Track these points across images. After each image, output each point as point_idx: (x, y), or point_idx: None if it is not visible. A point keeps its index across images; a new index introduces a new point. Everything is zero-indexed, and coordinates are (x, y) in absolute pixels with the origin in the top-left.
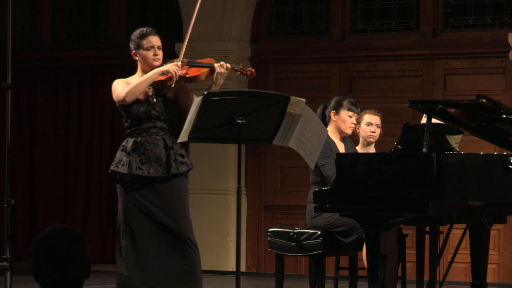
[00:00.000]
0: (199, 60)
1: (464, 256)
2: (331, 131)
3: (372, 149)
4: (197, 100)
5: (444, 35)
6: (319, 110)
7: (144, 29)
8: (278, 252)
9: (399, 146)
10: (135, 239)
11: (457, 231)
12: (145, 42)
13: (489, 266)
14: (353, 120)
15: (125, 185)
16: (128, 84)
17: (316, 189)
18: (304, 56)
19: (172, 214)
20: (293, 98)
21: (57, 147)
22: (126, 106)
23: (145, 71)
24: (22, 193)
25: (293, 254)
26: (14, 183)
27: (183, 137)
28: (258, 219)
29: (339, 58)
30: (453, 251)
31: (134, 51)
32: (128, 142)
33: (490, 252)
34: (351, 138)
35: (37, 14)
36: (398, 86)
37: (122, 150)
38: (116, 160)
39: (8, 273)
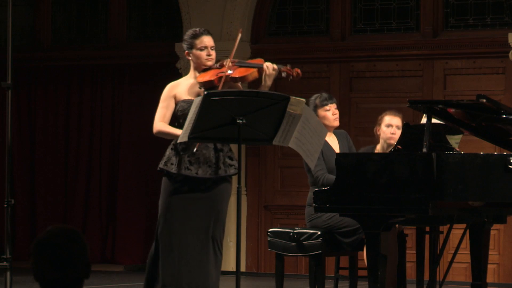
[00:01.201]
0: (248, 61)
1: (464, 256)
2: None
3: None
4: (197, 100)
5: (444, 35)
6: None
7: (197, 29)
8: (278, 252)
9: (399, 146)
10: (172, 236)
11: (457, 231)
12: (198, 42)
13: (489, 266)
14: (333, 111)
15: (172, 183)
16: (175, 89)
17: (316, 190)
18: (304, 56)
19: (212, 217)
20: (293, 98)
21: (57, 147)
22: (176, 106)
23: (198, 70)
24: (22, 193)
25: (293, 254)
26: (14, 183)
27: (183, 137)
28: (258, 219)
29: (339, 58)
30: (453, 251)
31: (187, 51)
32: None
33: (490, 252)
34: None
35: (37, 14)
36: (398, 86)
37: (172, 148)
38: (165, 158)
39: (8, 273)
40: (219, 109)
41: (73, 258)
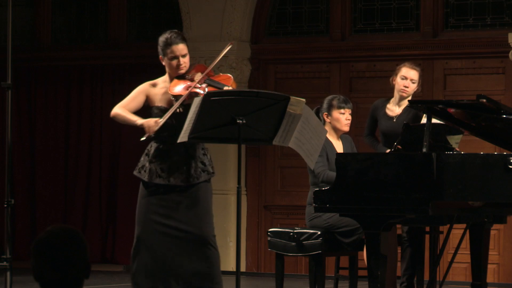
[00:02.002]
0: (219, 78)
1: (464, 256)
2: (328, 132)
3: (404, 104)
4: (197, 100)
5: (444, 35)
6: (313, 112)
7: (169, 35)
8: (278, 252)
9: (399, 146)
10: (149, 242)
11: (457, 231)
12: (169, 52)
13: (489, 266)
14: (347, 116)
15: (146, 190)
16: (148, 89)
17: (316, 190)
18: (304, 56)
19: (192, 219)
20: (293, 98)
21: (57, 147)
22: (151, 109)
23: (171, 76)
24: (22, 193)
25: (293, 254)
26: (14, 183)
27: (183, 137)
28: (258, 219)
29: (339, 58)
30: (453, 251)
31: (160, 56)
32: (152, 147)
33: (490, 252)
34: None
35: (37, 14)
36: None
37: (146, 154)
38: (140, 164)
39: (8, 273)
40: (219, 109)
41: (73, 258)
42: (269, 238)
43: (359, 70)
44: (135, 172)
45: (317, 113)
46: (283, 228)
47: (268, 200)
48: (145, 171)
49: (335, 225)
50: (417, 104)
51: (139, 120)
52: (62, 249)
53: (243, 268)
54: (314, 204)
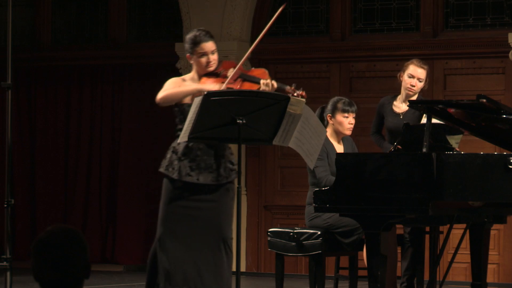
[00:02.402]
0: (252, 71)
1: (464, 256)
2: (329, 133)
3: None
4: (197, 100)
5: (444, 35)
6: (318, 112)
7: (198, 33)
8: (278, 252)
9: (399, 146)
10: (174, 238)
11: (457, 231)
12: (198, 49)
13: (489, 266)
14: (350, 120)
15: (173, 187)
16: (181, 83)
17: (316, 190)
18: (304, 56)
19: (217, 219)
20: (293, 98)
21: (57, 147)
22: (182, 107)
23: (199, 74)
24: (22, 193)
25: (293, 254)
26: (14, 183)
27: (183, 137)
28: (258, 219)
29: (339, 58)
30: (453, 251)
31: (188, 54)
32: (180, 145)
33: (490, 252)
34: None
35: (37, 14)
36: (398, 86)
37: (173, 152)
38: (166, 161)
39: (8, 273)
40: (219, 109)
41: (73, 258)
42: (269, 238)
43: (359, 70)
44: (162, 170)
45: (322, 112)
46: (283, 228)
47: (268, 200)
48: (173, 168)
49: (335, 224)
50: (417, 104)
51: (199, 87)
52: (62, 249)
53: (243, 268)
54: (314, 204)
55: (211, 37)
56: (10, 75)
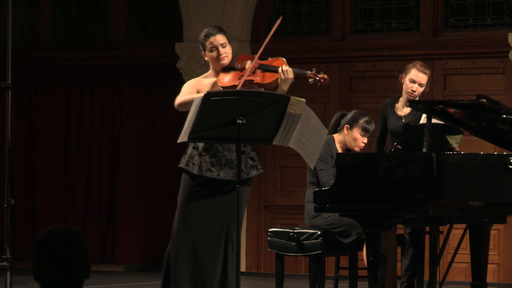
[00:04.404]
0: (269, 61)
1: (464, 256)
2: (339, 140)
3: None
4: (197, 100)
5: (444, 35)
6: (337, 115)
7: (206, 29)
8: (278, 252)
9: (399, 146)
10: (190, 237)
11: (457, 231)
12: (208, 44)
13: (489, 266)
14: (364, 140)
15: (192, 182)
16: (199, 83)
17: (316, 189)
18: (304, 56)
19: (229, 218)
20: (293, 98)
21: (57, 147)
22: None
23: (216, 70)
24: (22, 193)
25: (293, 254)
26: (14, 183)
27: (183, 137)
28: (258, 219)
29: (339, 58)
30: (453, 251)
31: (202, 52)
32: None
33: (490, 252)
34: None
35: (37, 14)
36: (398, 86)
37: (193, 148)
38: (187, 157)
39: (8, 273)
40: (219, 109)
41: (73, 258)
42: (269, 238)
43: (359, 70)
44: (182, 165)
45: (340, 117)
46: (283, 228)
47: (268, 200)
48: (194, 164)
49: (335, 223)
50: (417, 104)
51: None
52: (62, 249)
53: (243, 268)
54: (314, 204)
55: (220, 30)
56: (10, 75)
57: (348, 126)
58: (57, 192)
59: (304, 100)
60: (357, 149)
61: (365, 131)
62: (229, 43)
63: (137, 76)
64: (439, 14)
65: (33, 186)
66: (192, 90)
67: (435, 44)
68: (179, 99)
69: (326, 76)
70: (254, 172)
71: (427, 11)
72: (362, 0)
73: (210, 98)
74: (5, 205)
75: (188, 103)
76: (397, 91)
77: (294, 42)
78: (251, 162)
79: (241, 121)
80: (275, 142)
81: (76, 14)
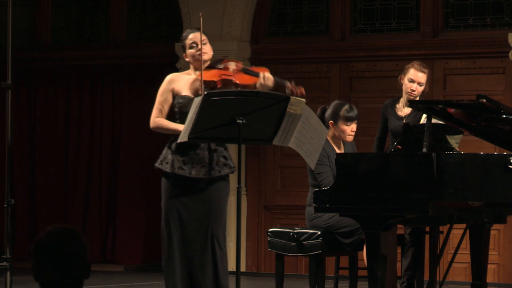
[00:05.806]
0: (254, 67)
1: (464, 256)
2: (330, 136)
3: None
4: (197, 100)
5: (444, 35)
6: (318, 112)
7: (188, 30)
8: (278, 252)
9: (399, 146)
10: (173, 236)
11: (457, 231)
12: (187, 42)
13: (489, 266)
14: (353, 127)
15: (169, 184)
16: (176, 83)
17: (316, 190)
18: (304, 56)
19: (211, 216)
20: (293, 98)
21: (57, 147)
22: (174, 99)
23: (196, 68)
24: (22, 193)
25: (293, 254)
26: (14, 183)
27: (183, 137)
28: (258, 219)
29: (339, 58)
30: (453, 251)
31: (184, 54)
32: (174, 140)
33: (490, 252)
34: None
35: (37, 14)
36: (398, 86)
37: (168, 147)
38: (161, 157)
39: (8, 273)
40: (219, 109)
41: (73, 258)
42: (269, 238)
43: (359, 70)
44: (157, 165)
45: (322, 113)
46: (283, 228)
47: (268, 200)
48: (167, 162)
49: (335, 225)
50: (417, 104)
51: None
52: (62, 249)
53: (243, 268)
54: (314, 204)
55: (199, 29)
56: (10, 75)
57: (332, 121)
58: (57, 192)
59: (304, 100)
60: (349, 139)
61: (349, 120)
62: (210, 44)
63: (137, 76)
64: (439, 14)
65: (33, 186)
66: (166, 95)
67: (435, 44)
68: (156, 122)
69: (303, 91)
70: (226, 170)
71: (427, 11)
72: (362, 0)
73: (210, 98)
74: (5, 205)
75: (165, 130)
76: (397, 91)
77: (294, 42)
78: (223, 160)
79: (241, 121)
80: (275, 142)
81: (76, 14)
